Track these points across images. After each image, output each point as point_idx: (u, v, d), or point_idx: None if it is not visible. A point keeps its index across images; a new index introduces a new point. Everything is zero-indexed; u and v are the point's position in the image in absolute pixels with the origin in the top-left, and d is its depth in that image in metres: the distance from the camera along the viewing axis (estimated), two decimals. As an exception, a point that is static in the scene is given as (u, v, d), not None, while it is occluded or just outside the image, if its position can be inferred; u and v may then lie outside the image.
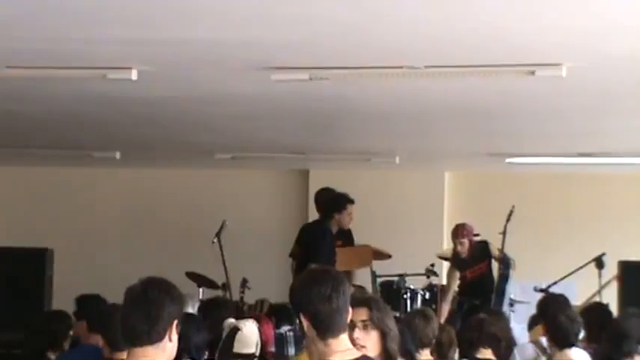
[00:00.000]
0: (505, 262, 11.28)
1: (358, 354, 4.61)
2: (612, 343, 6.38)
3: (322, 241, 10.81)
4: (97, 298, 8.23)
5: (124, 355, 4.53)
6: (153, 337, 4.19)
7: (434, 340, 7.25)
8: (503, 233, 11.11)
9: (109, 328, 5.75)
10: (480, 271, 11.47)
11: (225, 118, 10.16)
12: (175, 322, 4.25)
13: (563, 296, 9.15)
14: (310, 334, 4.54)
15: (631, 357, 6.27)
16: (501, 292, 11.22)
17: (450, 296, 11.54)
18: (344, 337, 4.53)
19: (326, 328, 4.49)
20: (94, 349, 7.14)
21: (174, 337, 4.24)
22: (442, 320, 11.02)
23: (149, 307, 4.19)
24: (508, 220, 11.10)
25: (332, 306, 4.46)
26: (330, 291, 4.47)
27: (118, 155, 12.73)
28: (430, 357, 7.12)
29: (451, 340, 8.24)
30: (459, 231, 11.47)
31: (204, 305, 8.23)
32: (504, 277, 11.34)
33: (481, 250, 11.47)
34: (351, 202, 11.13)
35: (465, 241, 11.39)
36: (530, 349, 8.47)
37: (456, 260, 11.54)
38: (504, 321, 8.15)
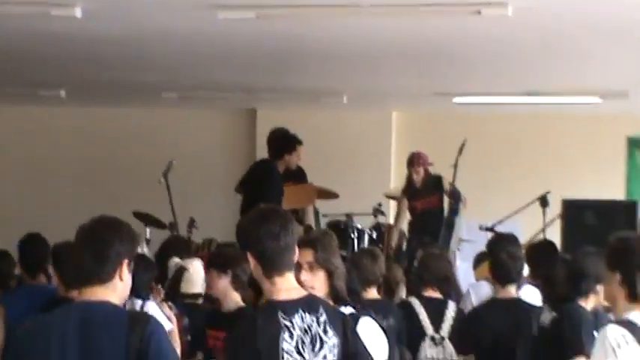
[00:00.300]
0: (456, 196, 11.28)
1: (304, 292, 4.64)
2: (571, 282, 6.47)
3: (271, 178, 10.80)
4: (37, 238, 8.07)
5: (75, 293, 4.54)
6: (102, 276, 4.20)
7: (381, 279, 7.33)
8: (455, 166, 11.08)
9: (64, 267, 5.74)
10: (430, 203, 11.41)
11: (172, 57, 10.11)
12: (126, 261, 4.25)
13: (511, 235, 9.27)
14: (256, 272, 4.57)
15: (587, 296, 6.38)
16: (450, 226, 11.26)
17: (400, 225, 11.50)
18: (290, 275, 4.56)
19: (272, 265, 4.51)
20: (42, 287, 7.15)
21: (126, 276, 4.25)
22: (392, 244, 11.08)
23: (97, 247, 4.19)
24: (460, 153, 11.07)
25: (279, 244, 4.49)
26: (278, 229, 4.50)
27: (63, 94, 12.64)
28: (377, 295, 7.20)
29: (399, 279, 8.33)
30: (414, 159, 11.37)
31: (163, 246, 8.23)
32: (454, 211, 11.35)
33: (434, 182, 11.43)
34: (300, 143, 11.13)
35: (421, 169, 11.31)
36: (486, 287, 8.56)
37: (409, 189, 11.49)
38: (446, 259, 8.22)
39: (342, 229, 11.41)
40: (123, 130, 14.59)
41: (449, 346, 7.36)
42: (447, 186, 11.35)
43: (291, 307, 4.50)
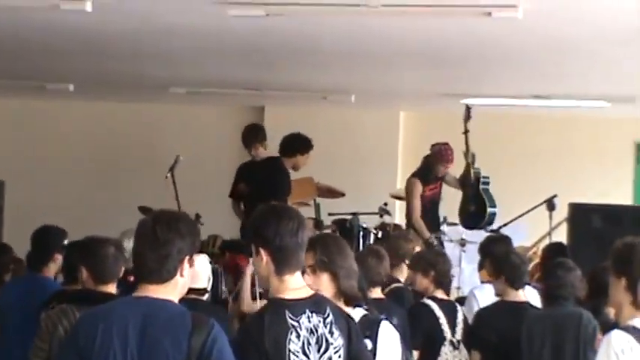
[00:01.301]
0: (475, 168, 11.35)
1: (311, 292, 4.63)
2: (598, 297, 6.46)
3: (285, 176, 10.84)
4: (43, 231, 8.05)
5: (109, 287, 4.54)
6: (164, 275, 4.20)
7: (385, 279, 7.33)
8: (465, 133, 11.11)
9: (92, 261, 5.75)
10: (436, 189, 11.39)
11: (181, 52, 10.11)
12: (187, 257, 4.25)
13: (507, 237, 9.30)
14: (267, 269, 4.55)
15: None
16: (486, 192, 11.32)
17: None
18: (299, 274, 4.56)
19: (286, 263, 4.51)
20: (41, 278, 7.16)
21: (186, 272, 4.24)
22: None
23: (159, 246, 4.19)
24: (467, 119, 11.12)
25: (297, 240, 4.49)
26: (296, 226, 4.49)
27: (71, 87, 12.65)
28: (381, 295, 7.19)
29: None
30: (450, 154, 11.27)
31: None
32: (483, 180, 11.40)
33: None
34: (313, 148, 11.18)
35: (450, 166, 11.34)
36: (490, 290, 8.57)
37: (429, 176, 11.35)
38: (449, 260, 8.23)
39: (347, 227, 11.40)
40: (130, 125, 14.60)
41: (464, 350, 7.37)
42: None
43: (298, 307, 4.50)
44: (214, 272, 6.75)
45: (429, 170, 11.29)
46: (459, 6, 7.29)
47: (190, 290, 6.41)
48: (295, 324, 4.46)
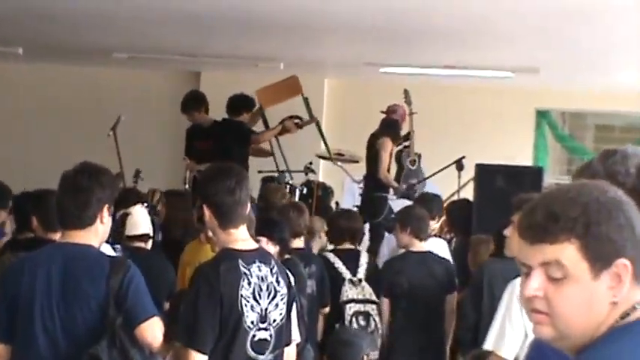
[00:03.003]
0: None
1: (256, 245, 4.66)
2: None
3: (239, 130, 10.95)
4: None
5: (57, 236, 4.53)
6: (84, 221, 4.19)
7: (305, 230, 7.39)
8: (411, 114, 11.23)
9: (43, 211, 5.70)
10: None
11: (123, 19, 10.03)
12: (106, 205, 4.24)
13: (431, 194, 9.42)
14: (211, 223, 4.56)
15: None
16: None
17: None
18: (243, 227, 4.57)
19: (227, 218, 4.51)
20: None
21: (106, 219, 4.24)
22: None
23: (79, 194, 4.17)
24: (409, 103, 11.25)
25: (234, 199, 4.49)
26: (234, 184, 4.49)
27: (20, 51, 12.45)
28: (302, 245, 7.25)
29: (316, 229, 8.38)
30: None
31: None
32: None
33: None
34: (255, 105, 11.25)
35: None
36: (394, 241, 8.68)
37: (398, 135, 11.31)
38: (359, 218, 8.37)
39: (275, 184, 11.39)
40: (76, 87, 14.44)
41: (367, 287, 7.47)
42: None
43: (249, 257, 4.53)
44: (153, 223, 6.70)
45: (397, 130, 11.29)
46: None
47: (131, 237, 6.42)
48: (247, 272, 4.48)
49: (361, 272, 7.59)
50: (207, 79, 14.09)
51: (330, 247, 8.03)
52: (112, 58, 12.61)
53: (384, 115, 11.29)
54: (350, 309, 7.45)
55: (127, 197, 8.13)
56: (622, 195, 2.20)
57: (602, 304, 2.14)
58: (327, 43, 11.08)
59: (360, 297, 7.49)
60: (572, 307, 2.14)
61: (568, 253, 2.13)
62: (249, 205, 4.58)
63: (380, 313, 7.39)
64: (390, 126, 11.22)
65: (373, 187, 10.96)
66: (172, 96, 14.02)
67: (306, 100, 11.47)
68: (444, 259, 7.76)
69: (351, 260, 7.67)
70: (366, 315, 7.37)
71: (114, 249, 6.26)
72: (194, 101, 11.09)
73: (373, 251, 9.16)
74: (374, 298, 7.44)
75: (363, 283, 7.51)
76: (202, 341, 4.35)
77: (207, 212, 4.50)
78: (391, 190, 11.04)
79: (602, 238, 2.12)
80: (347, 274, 7.56)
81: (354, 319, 7.37)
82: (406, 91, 11.38)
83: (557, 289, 2.14)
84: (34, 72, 14.37)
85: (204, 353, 4.33)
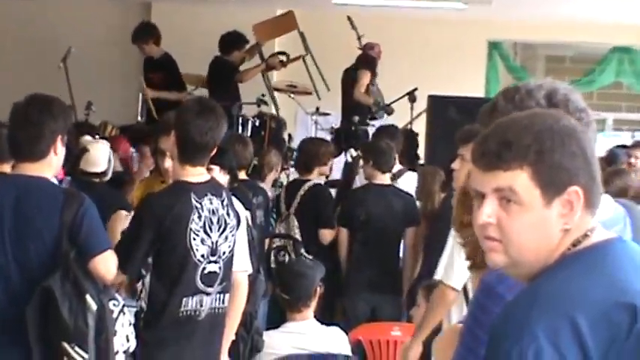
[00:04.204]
0: None
1: (209, 177, 4.65)
2: None
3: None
4: None
5: (7, 167, 4.47)
6: (36, 154, 4.14)
7: (251, 163, 7.40)
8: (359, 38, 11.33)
9: None
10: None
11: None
12: (59, 137, 4.18)
13: (391, 127, 9.43)
14: (172, 151, 4.55)
15: None
16: None
17: None
18: (201, 168, 4.57)
19: (188, 156, 4.50)
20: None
21: (60, 150, 4.20)
22: None
23: (31, 127, 4.12)
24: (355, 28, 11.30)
25: (203, 140, 4.47)
26: (207, 127, 4.47)
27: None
28: (245, 177, 7.26)
29: (272, 163, 8.37)
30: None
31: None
32: None
33: None
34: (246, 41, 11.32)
35: None
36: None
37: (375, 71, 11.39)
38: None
39: (228, 115, 11.32)
40: (24, 19, 14.18)
41: (293, 221, 7.54)
42: None
43: (201, 190, 4.52)
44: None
45: (374, 66, 11.33)
46: None
47: (85, 173, 6.35)
48: (198, 206, 4.48)
49: (294, 205, 7.62)
50: (158, 10, 13.93)
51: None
52: (60, -12, 12.40)
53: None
54: (273, 243, 7.52)
55: (78, 130, 8.06)
56: (576, 123, 2.21)
57: (553, 231, 2.16)
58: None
59: (282, 230, 7.56)
60: (524, 233, 2.16)
61: (521, 180, 2.14)
62: (215, 148, 4.57)
63: (296, 249, 7.43)
64: (368, 62, 11.28)
65: (350, 117, 10.98)
66: (123, 27, 13.83)
67: (302, 35, 11.46)
68: (406, 193, 7.77)
69: (292, 191, 7.73)
70: (284, 249, 7.46)
71: (60, 182, 6.20)
72: (142, 32, 11.05)
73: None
74: (294, 233, 7.49)
75: (291, 217, 7.55)
76: (132, 269, 4.47)
77: (173, 140, 4.50)
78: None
79: (555, 166, 2.13)
80: (282, 207, 7.64)
81: (272, 254, 7.45)
82: (349, 18, 11.43)
83: (510, 215, 2.16)
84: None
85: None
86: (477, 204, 2.20)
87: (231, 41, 11.24)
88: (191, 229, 4.45)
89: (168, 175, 4.92)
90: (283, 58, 11.40)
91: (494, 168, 2.16)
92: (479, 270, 2.90)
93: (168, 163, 4.89)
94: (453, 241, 4.78)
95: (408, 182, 8.03)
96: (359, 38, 11.42)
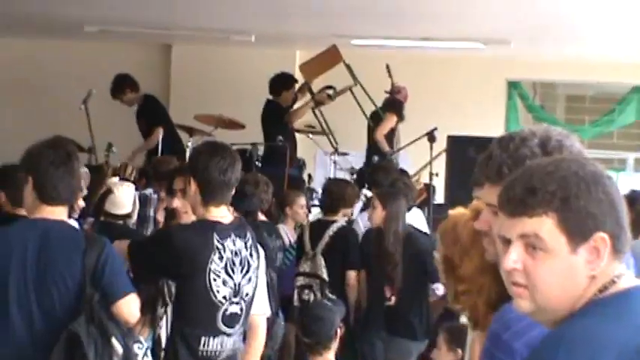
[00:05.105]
0: None
1: (232, 217, 4.63)
2: None
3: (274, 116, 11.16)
4: None
5: (24, 211, 4.48)
6: (60, 198, 4.16)
7: (265, 204, 7.37)
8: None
9: (11, 186, 5.64)
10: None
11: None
12: (82, 180, 4.23)
13: (392, 165, 9.40)
14: (194, 197, 4.54)
15: None
16: None
17: None
18: (224, 208, 4.56)
19: (212, 196, 4.50)
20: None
21: (79, 192, 4.24)
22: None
23: (56, 171, 4.13)
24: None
25: (224, 178, 4.47)
26: (227, 164, 4.47)
27: (-10, 25, 12.36)
28: (264, 218, 7.25)
29: (295, 203, 8.36)
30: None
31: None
32: None
33: None
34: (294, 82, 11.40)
35: None
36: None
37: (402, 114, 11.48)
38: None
39: (247, 156, 11.36)
40: (47, 61, 14.31)
41: (320, 261, 7.51)
42: None
43: (225, 231, 4.50)
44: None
45: (401, 110, 11.40)
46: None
47: (109, 214, 6.36)
48: (220, 246, 4.46)
49: (321, 246, 7.60)
50: (178, 52, 14.03)
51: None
52: (82, 31, 12.50)
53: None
54: (297, 282, 7.51)
55: (99, 171, 8.11)
56: (602, 169, 2.20)
57: (580, 278, 2.15)
58: (298, 15, 11.03)
59: (308, 270, 7.55)
60: (550, 280, 2.15)
61: (546, 226, 2.13)
62: (234, 188, 4.57)
63: (322, 288, 7.41)
64: (395, 106, 11.32)
65: (371, 157, 11.04)
66: (144, 69, 13.97)
67: (348, 66, 11.47)
68: (422, 232, 7.75)
69: (318, 232, 7.71)
70: (309, 287, 7.44)
71: (78, 221, 6.21)
72: (115, 87, 11.61)
73: None
74: (321, 272, 7.46)
75: (318, 256, 7.54)
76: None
77: (193, 186, 4.48)
78: None
79: (581, 212, 2.12)
80: (307, 246, 7.60)
81: (296, 292, 7.44)
82: (387, 66, 11.45)
83: (536, 261, 2.15)
84: (4, 46, 14.23)
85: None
86: (504, 249, 2.19)
87: (280, 83, 11.29)
88: (210, 270, 4.44)
89: (179, 215, 4.92)
90: (330, 92, 11.40)
91: (519, 214, 2.15)
92: (481, 330, 2.89)
93: (176, 203, 4.90)
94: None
95: (416, 219, 8.01)
96: (392, 85, 11.46)
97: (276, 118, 11.15)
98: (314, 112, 11.43)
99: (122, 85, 11.51)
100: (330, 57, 11.58)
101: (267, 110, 11.27)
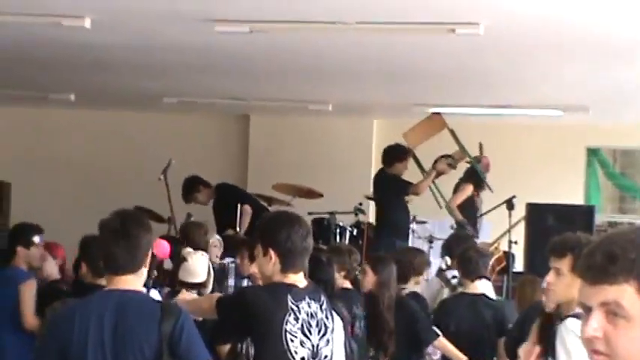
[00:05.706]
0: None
1: (306, 282, 4.68)
2: None
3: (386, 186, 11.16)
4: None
5: (104, 281, 4.55)
6: (135, 266, 4.21)
7: (352, 273, 7.30)
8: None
9: (92, 257, 5.73)
10: (477, 196, 11.53)
11: (173, 66, 10.10)
12: (151, 250, 4.28)
13: (467, 234, 9.30)
14: (274, 267, 4.57)
15: None
16: None
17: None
18: (301, 275, 4.61)
19: (292, 264, 4.55)
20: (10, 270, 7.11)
21: (147, 262, 4.28)
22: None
23: (129, 240, 4.19)
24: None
25: (305, 245, 4.54)
26: (305, 232, 4.55)
27: (72, 97, 12.61)
28: (350, 286, 7.20)
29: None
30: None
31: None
32: None
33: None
34: (407, 153, 11.34)
35: None
36: (436, 283, 8.61)
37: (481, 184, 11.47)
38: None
39: (325, 225, 11.41)
40: (127, 132, 14.57)
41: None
42: None
43: (299, 294, 4.55)
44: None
45: (481, 180, 11.36)
46: (426, 23, 7.31)
47: (183, 283, 6.40)
48: (295, 308, 4.50)
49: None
50: (256, 123, 14.18)
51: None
52: (162, 103, 12.73)
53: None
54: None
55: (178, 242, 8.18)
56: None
57: None
58: (375, 84, 11.09)
59: None
60: (631, 348, 2.11)
61: (627, 294, 2.10)
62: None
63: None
64: (471, 176, 11.33)
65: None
66: (222, 139, 14.17)
67: (452, 132, 11.49)
68: (496, 301, 7.64)
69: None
70: None
71: (146, 287, 6.25)
72: (186, 191, 11.64)
73: None
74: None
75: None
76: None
77: (273, 258, 4.53)
78: None
79: (662, 280, 2.09)
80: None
81: None
82: (480, 145, 11.42)
83: (617, 329, 2.11)
84: (86, 117, 14.53)
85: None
86: (585, 317, 2.16)
87: (395, 155, 11.25)
88: (286, 330, 4.45)
89: (256, 279, 4.98)
90: (450, 161, 11.39)
91: (600, 282, 2.13)
92: None
93: (253, 269, 4.97)
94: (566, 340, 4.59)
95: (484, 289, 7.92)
96: (464, 150, 11.40)
97: (395, 189, 11.06)
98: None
99: (193, 184, 11.60)
100: (434, 123, 11.61)
101: (383, 181, 11.15)
